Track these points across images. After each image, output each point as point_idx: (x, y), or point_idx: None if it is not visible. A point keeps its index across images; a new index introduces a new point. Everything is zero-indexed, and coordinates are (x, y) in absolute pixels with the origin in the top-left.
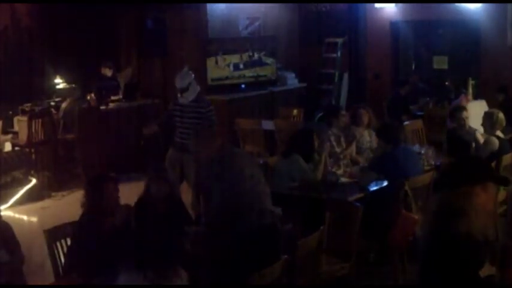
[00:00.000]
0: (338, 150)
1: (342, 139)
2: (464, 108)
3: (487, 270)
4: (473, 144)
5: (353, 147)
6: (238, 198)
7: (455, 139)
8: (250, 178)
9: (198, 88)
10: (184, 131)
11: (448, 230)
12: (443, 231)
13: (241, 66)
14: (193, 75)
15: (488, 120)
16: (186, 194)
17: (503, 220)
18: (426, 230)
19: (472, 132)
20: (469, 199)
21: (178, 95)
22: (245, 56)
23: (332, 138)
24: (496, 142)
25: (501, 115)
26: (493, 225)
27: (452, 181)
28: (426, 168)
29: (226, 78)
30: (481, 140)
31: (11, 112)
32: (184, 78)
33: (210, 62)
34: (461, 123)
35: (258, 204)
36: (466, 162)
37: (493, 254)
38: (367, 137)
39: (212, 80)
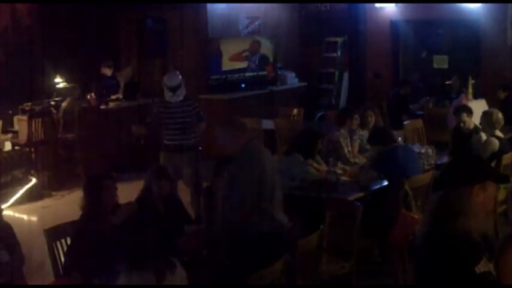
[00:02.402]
0: (346, 151)
1: (348, 140)
2: (464, 109)
3: (486, 267)
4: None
5: (356, 147)
6: (258, 198)
7: (458, 138)
8: (270, 178)
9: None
10: (178, 131)
11: (446, 230)
12: (442, 231)
13: (241, 65)
14: (180, 75)
15: (487, 120)
16: (185, 194)
17: (503, 219)
18: (424, 229)
19: (478, 131)
20: (467, 199)
21: (170, 95)
22: (245, 55)
23: (341, 139)
24: (497, 142)
25: (499, 114)
26: (492, 223)
27: (450, 181)
28: (426, 167)
29: (226, 77)
30: (483, 140)
31: (11, 111)
32: (175, 77)
33: (210, 62)
34: (461, 123)
35: (270, 208)
36: (464, 162)
37: (491, 252)
38: None
39: (212, 79)
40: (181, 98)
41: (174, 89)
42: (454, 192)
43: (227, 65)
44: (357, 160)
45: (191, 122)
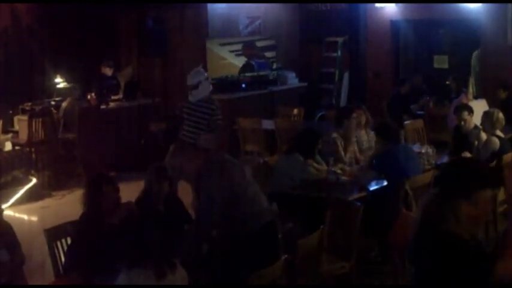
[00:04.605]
0: (343, 152)
1: (352, 140)
2: (466, 108)
3: None
4: (476, 143)
5: (354, 148)
6: (234, 205)
7: (458, 137)
8: (241, 182)
9: (210, 88)
10: (190, 130)
11: (434, 232)
12: (430, 232)
13: (242, 65)
14: (206, 74)
15: (488, 120)
16: (186, 194)
17: (503, 219)
18: (415, 228)
19: (477, 131)
20: (455, 210)
21: (189, 92)
22: (246, 55)
23: (338, 142)
24: (497, 142)
25: (500, 114)
26: (482, 229)
27: (442, 186)
28: (426, 167)
29: (227, 77)
30: (484, 139)
31: (11, 111)
32: (195, 76)
33: (210, 61)
34: (462, 122)
35: (254, 206)
36: (458, 171)
37: (481, 254)
38: (365, 136)
39: (212, 79)
40: (196, 98)
41: (190, 88)
42: (444, 199)
43: (227, 64)
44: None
45: (204, 125)
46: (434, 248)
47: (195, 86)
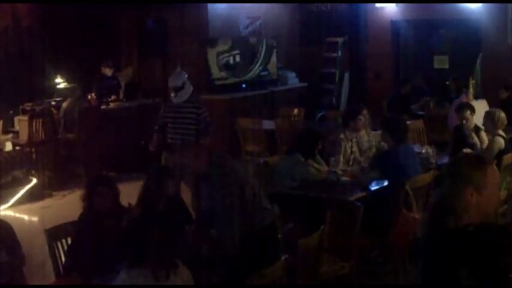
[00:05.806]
0: (348, 152)
1: (355, 141)
2: (468, 107)
3: None
4: (478, 143)
5: (356, 148)
6: (234, 206)
7: (458, 137)
8: (242, 183)
9: (191, 88)
10: (179, 132)
11: (440, 228)
12: (436, 229)
13: (242, 65)
14: (186, 75)
15: (491, 120)
16: (186, 194)
17: (503, 220)
18: (423, 227)
19: (479, 131)
20: (460, 199)
21: (172, 95)
22: (246, 56)
23: (343, 143)
24: (502, 141)
25: (503, 114)
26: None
27: (446, 179)
28: (427, 167)
29: (227, 77)
30: (486, 139)
31: (11, 112)
32: (179, 78)
33: (211, 62)
34: (464, 120)
35: (255, 207)
36: (458, 161)
37: None
38: (366, 137)
39: (213, 79)
40: (183, 99)
41: (175, 90)
42: (448, 191)
43: (227, 64)
44: (351, 159)
45: (194, 125)
46: (442, 246)
47: (181, 87)
